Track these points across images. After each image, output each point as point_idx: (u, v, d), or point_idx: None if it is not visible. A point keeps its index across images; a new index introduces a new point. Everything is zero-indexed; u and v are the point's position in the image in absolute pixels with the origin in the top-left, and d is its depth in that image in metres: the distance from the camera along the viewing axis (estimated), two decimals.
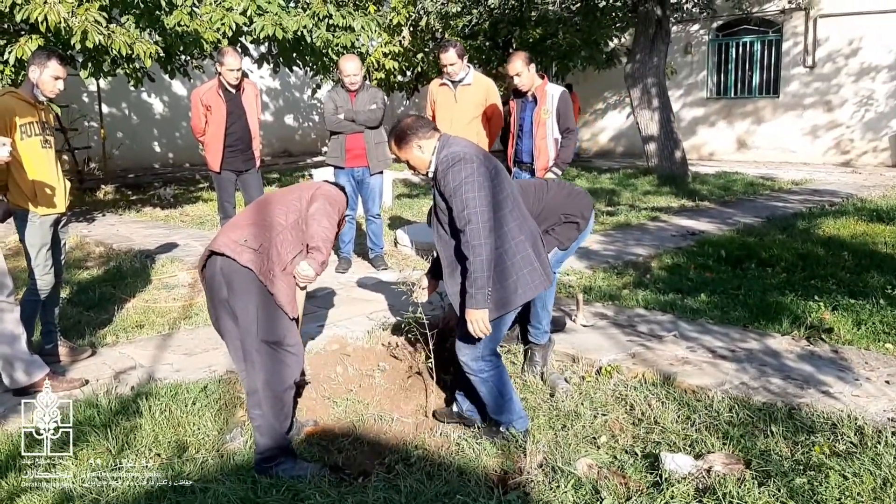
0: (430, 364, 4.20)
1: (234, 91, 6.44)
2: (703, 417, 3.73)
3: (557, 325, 4.90)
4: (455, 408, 3.94)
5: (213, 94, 6.39)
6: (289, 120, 19.24)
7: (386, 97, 6.76)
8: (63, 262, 4.88)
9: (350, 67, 6.50)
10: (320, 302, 5.91)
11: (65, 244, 4.86)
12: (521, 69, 5.59)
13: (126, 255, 7.72)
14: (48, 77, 4.45)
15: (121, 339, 5.19)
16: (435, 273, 3.94)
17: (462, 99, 6.28)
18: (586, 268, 6.75)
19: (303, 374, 4.12)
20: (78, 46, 7.08)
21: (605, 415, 3.84)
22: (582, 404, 3.96)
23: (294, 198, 3.69)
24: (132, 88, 14.72)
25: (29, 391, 4.21)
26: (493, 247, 3.28)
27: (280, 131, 18.94)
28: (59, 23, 6.89)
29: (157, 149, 16.82)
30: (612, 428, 3.74)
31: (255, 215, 3.67)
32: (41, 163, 4.52)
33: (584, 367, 4.47)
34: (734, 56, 16.20)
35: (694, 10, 13.51)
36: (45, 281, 4.57)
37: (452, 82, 6.31)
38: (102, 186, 12.92)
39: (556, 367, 4.55)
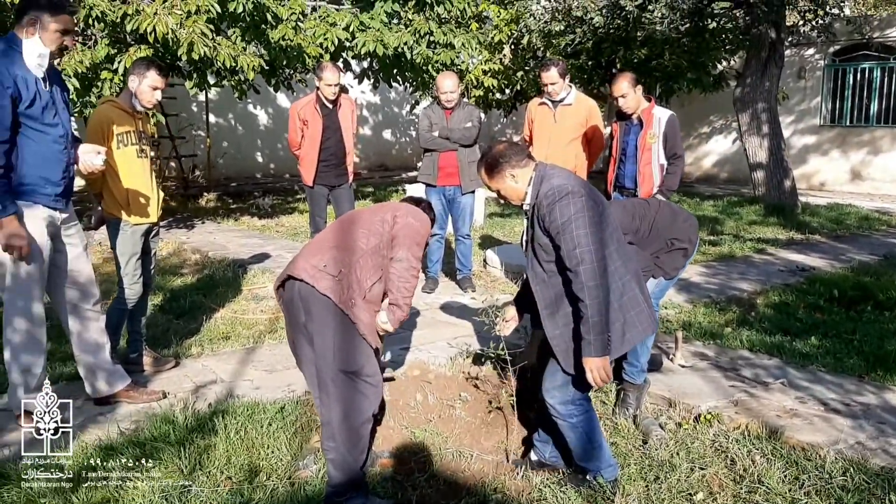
0: (512, 401, 3.98)
1: (330, 106, 6.40)
2: (814, 479, 3.37)
3: (654, 365, 4.59)
4: (534, 456, 3.69)
5: (310, 109, 6.37)
6: (387, 135, 19.39)
7: (482, 115, 6.59)
8: (153, 272, 4.89)
9: (447, 85, 6.37)
10: (404, 326, 5.76)
11: (155, 254, 4.88)
12: (627, 90, 5.32)
13: (220, 264, 7.80)
14: (146, 87, 4.47)
15: (206, 351, 5.17)
16: (521, 304, 3.72)
17: (562, 119, 6.05)
18: (686, 301, 6.38)
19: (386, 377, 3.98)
20: (184, 58, 7.21)
21: (702, 468, 3.52)
22: (677, 454, 3.65)
23: (377, 220, 3.54)
24: (238, 100, 15.21)
25: (109, 401, 4.21)
26: (608, 288, 3.06)
27: (377, 145, 19.10)
28: (167, 34, 7.03)
29: (260, 159, 17.20)
30: (711, 484, 3.42)
31: (336, 237, 3.54)
32: (136, 172, 4.54)
33: (681, 412, 4.15)
34: (851, 83, 15.34)
35: (812, 33, 12.84)
36: (133, 290, 4.58)
37: (552, 101, 6.09)
38: (205, 194, 13.25)
39: (650, 410, 4.25)
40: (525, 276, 3.65)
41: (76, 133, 4.19)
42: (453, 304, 6.33)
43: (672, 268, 4.14)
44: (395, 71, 10.16)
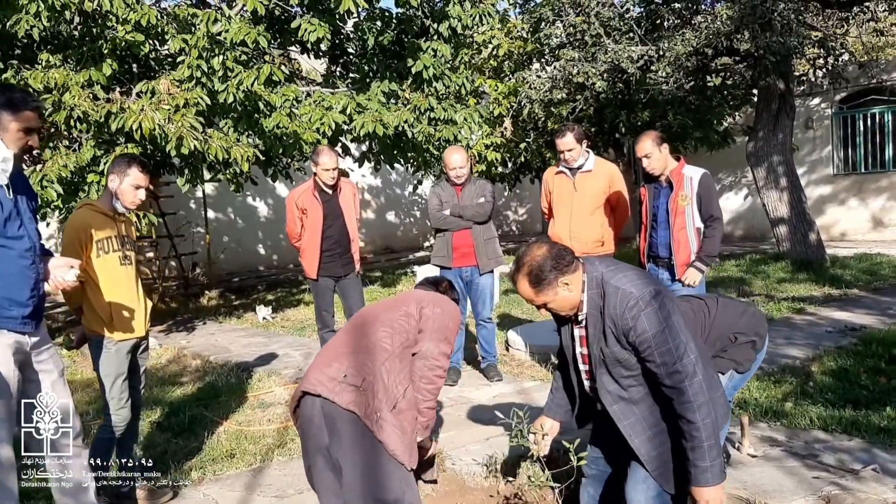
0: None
1: (330, 192, 5.95)
2: None
3: None
4: None
5: (308, 197, 5.92)
6: (390, 217, 19.05)
7: (493, 190, 6.13)
8: (142, 392, 4.34)
9: (456, 160, 5.93)
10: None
11: (144, 371, 4.33)
12: (652, 150, 4.87)
13: (222, 369, 7.24)
14: (128, 186, 4.03)
15: (208, 475, 4.57)
16: (556, 412, 3.17)
17: (582, 188, 5.58)
18: None
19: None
20: (174, 153, 6.82)
21: None
22: None
23: (400, 315, 3.03)
24: (236, 193, 14.90)
25: None
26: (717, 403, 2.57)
27: (382, 228, 18.74)
28: (154, 129, 6.66)
29: (262, 251, 16.80)
30: None
31: (353, 341, 3.03)
32: (119, 282, 4.04)
33: None
34: (862, 128, 15.00)
35: (823, 80, 12.53)
36: (120, 416, 4.02)
37: (570, 169, 5.64)
38: (206, 292, 12.77)
39: None
40: (558, 377, 3.11)
41: (46, 244, 3.71)
42: (481, 398, 5.73)
43: (743, 359, 3.58)
44: (395, 152, 9.80)
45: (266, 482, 4.38)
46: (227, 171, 8.62)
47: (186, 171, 7.55)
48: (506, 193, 19.97)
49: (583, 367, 2.83)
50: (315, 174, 5.93)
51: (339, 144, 10.84)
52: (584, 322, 2.72)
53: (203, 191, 14.15)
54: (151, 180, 8.78)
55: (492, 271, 6.15)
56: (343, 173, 7.50)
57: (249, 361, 7.53)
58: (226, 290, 13.41)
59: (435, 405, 2.99)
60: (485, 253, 6.01)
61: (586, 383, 2.81)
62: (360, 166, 10.79)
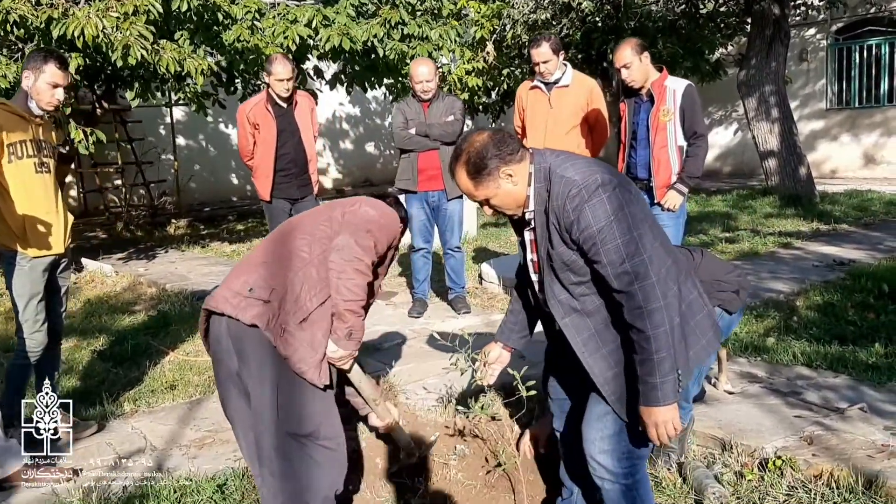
0: (516, 462, 3.04)
1: (285, 105, 5.46)
2: None
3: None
4: None
5: (260, 110, 5.42)
6: (370, 147, 18.47)
7: (465, 108, 5.64)
8: (63, 315, 3.92)
9: (422, 72, 5.44)
10: (386, 356, 4.82)
11: (66, 293, 3.91)
12: (631, 59, 4.41)
13: (177, 298, 6.85)
14: (44, 84, 3.56)
15: (141, 407, 4.21)
16: (508, 335, 2.77)
17: (559, 104, 5.13)
18: None
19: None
20: (120, 63, 6.28)
21: None
22: None
23: (322, 221, 2.63)
24: (209, 119, 14.25)
25: (3, 486, 3.26)
26: (677, 307, 2.20)
27: (360, 159, 18.18)
28: (98, 37, 6.11)
29: (235, 181, 16.26)
30: None
31: (268, 251, 2.64)
32: (34, 191, 3.60)
33: (740, 457, 3.20)
34: (857, 61, 14.47)
35: (820, 3, 11.94)
36: (35, 340, 3.62)
37: (546, 84, 5.17)
38: (174, 221, 12.30)
39: (699, 456, 3.30)
40: (515, 298, 2.72)
41: None
42: (446, 330, 5.36)
43: (730, 303, 3.21)
44: (367, 72, 9.25)
45: (202, 415, 4.02)
46: (187, 89, 8.08)
47: (136, 85, 7.01)
48: (491, 125, 19.38)
49: (534, 277, 2.44)
50: (268, 85, 5.44)
51: (312, 66, 10.30)
52: (532, 222, 2.32)
53: (171, 115, 13.56)
54: (106, 98, 8.22)
55: (461, 196, 5.72)
56: (313, 94, 7.01)
57: (207, 290, 7.11)
58: (195, 219, 12.94)
59: (358, 308, 2.53)
60: None
61: (540, 296, 2.42)
62: (332, 88, 10.23)
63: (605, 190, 2.13)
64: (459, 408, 3.45)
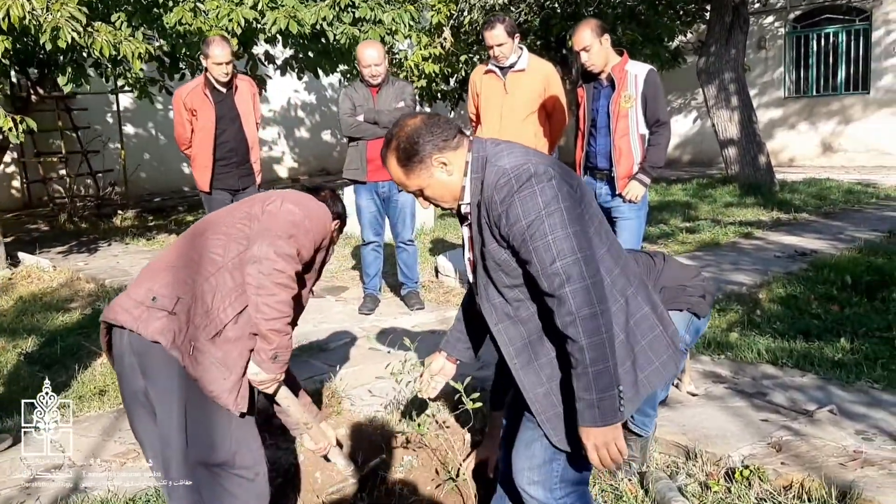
0: (464, 477, 2.80)
1: (223, 90, 5.13)
2: None
3: None
4: None
5: (198, 95, 5.09)
6: (326, 136, 18.05)
7: (415, 93, 5.36)
8: None
9: (370, 55, 5.14)
10: (331, 358, 4.54)
11: None
12: (591, 41, 4.18)
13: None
14: None
15: (65, 416, 3.87)
16: (454, 347, 2.51)
17: (514, 89, 4.87)
18: None
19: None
20: (49, 46, 5.87)
21: None
22: None
23: (240, 218, 2.33)
24: (158, 107, 13.72)
25: None
26: (622, 322, 1.98)
27: (317, 148, 17.76)
28: (25, 18, 5.70)
29: (186, 170, 15.70)
30: None
31: (178, 252, 2.34)
32: None
33: (705, 465, 3.00)
34: (815, 49, 14.45)
35: None
36: None
37: (501, 69, 4.92)
38: (120, 212, 11.83)
39: (661, 464, 3.09)
40: (465, 304, 2.47)
41: None
42: (396, 329, 5.10)
43: (698, 306, 3.00)
44: (321, 60, 8.89)
45: (128, 426, 3.70)
46: (129, 74, 7.67)
47: (69, 70, 6.60)
48: (450, 114, 19.10)
49: (470, 277, 2.20)
50: (206, 69, 5.10)
51: (264, 52, 9.92)
52: (469, 215, 2.08)
53: (118, 102, 13.04)
54: (42, 84, 7.76)
55: None
56: (261, 81, 6.69)
57: None
58: (143, 210, 12.48)
59: (283, 327, 2.23)
60: None
61: (476, 299, 2.17)
62: (283, 74, 9.85)
63: (539, 180, 1.88)
64: (408, 421, 3.19)
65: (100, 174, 13.07)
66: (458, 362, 2.51)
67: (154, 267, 2.34)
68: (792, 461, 2.92)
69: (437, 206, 2.14)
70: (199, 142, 5.13)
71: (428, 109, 15.23)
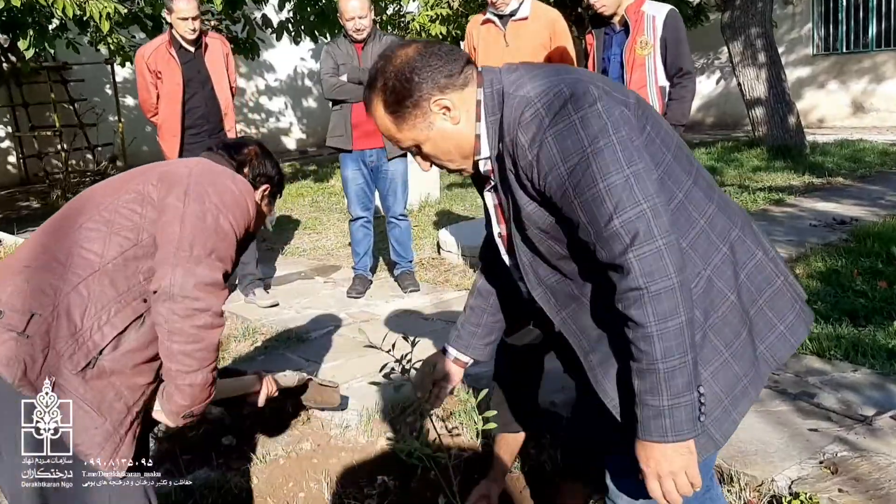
0: None
1: (192, 49, 4.57)
2: None
3: None
4: None
5: (162, 55, 4.52)
6: None
7: None
8: None
9: (353, 6, 4.54)
10: (310, 350, 4.00)
11: None
12: None
13: None
14: None
15: None
16: (467, 345, 1.94)
17: (516, 40, 4.28)
18: None
19: None
20: (2, 4, 5.33)
21: None
22: None
23: (128, 199, 1.75)
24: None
25: None
26: (732, 278, 1.47)
27: (323, 119, 17.12)
28: None
29: None
30: None
31: (36, 247, 1.76)
32: None
33: (743, 491, 2.44)
34: (844, 4, 13.61)
35: None
36: None
37: (500, 17, 4.32)
38: None
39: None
40: (479, 288, 1.92)
41: None
42: (387, 314, 4.57)
43: None
44: (314, 19, 8.31)
45: None
46: (110, 39, 7.13)
47: (31, 33, 6.06)
48: None
49: (506, 259, 1.64)
50: (170, 26, 4.53)
51: (261, 15, 9.36)
52: (492, 178, 1.52)
53: (113, 74, 12.54)
54: (12, 49, 7.17)
55: (404, 155, 4.87)
56: (254, 46, 6.09)
57: None
58: None
59: (208, 376, 1.65)
60: None
61: (521, 287, 1.62)
62: (279, 39, 9.28)
63: (578, 106, 1.32)
64: (388, 436, 2.66)
65: (98, 148, 12.64)
66: (467, 365, 1.96)
67: (4, 268, 1.75)
68: (851, 486, 2.36)
69: (441, 167, 1.57)
70: (165, 107, 4.57)
71: None
